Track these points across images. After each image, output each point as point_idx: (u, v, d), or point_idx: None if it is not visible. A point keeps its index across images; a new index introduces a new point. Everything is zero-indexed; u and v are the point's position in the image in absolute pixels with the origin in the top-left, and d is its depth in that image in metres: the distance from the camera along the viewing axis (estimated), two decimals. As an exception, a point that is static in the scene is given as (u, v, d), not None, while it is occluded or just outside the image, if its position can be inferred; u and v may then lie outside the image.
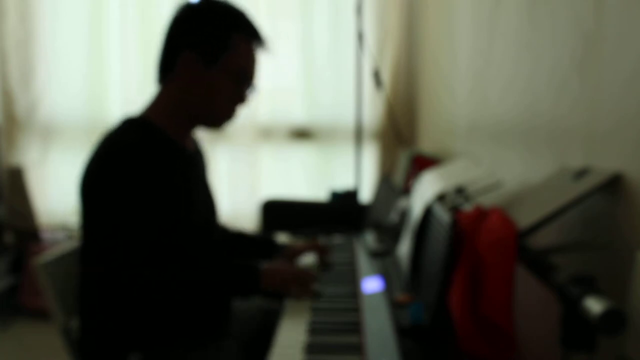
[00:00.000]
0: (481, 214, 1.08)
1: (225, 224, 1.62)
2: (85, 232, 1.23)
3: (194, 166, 1.37)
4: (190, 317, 1.25)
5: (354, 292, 1.36)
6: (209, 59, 1.26)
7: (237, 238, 1.60)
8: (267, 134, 3.20)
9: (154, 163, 1.21)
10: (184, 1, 1.32)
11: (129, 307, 1.16)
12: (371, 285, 1.40)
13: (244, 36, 1.30)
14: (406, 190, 1.98)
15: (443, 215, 1.18)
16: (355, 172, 2.97)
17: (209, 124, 1.35)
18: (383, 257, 1.66)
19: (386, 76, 3.12)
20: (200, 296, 1.21)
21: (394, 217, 1.82)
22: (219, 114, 1.33)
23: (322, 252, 1.62)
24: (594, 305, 0.74)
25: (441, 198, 1.37)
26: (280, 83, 3.19)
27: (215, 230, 1.44)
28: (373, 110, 3.15)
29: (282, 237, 2.66)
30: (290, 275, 1.30)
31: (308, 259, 1.61)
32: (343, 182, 3.06)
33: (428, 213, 1.37)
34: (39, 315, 2.88)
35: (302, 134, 3.22)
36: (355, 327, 1.14)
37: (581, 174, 1.01)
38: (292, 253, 1.58)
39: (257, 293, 1.24)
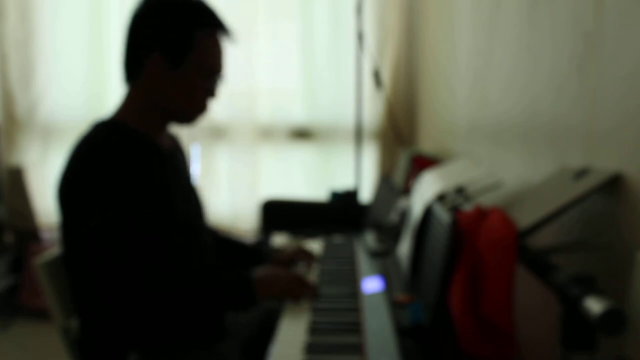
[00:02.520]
0: (481, 214, 1.08)
1: (216, 227, 1.61)
2: (65, 239, 1.22)
3: (171, 164, 1.35)
4: (181, 322, 1.24)
5: (354, 292, 1.36)
6: (176, 61, 1.26)
7: (225, 243, 1.58)
8: (267, 134, 3.20)
9: (129, 163, 1.20)
10: None
11: (120, 308, 1.15)
12: (371, 285, 1.40)
13: (207, 30, 1.28)
14: (406, 190, 1.98)
15: (443, 215, 1.18)
16: (355, 172, 2.97)
17: (181, 120, 1.34)
18: (383, 257, 1.66)
19: (386, 76, 3.12)
20: (191, 310, 1.20)
21: (394, 217, 1.82)
22: (191, 110, 1.32)
23: (308, 258, 1.59)
24: (594, 305, 0.74)
25: (441, 198, 1.37)
26: (280, 83, 3.19)
27: (202, 228, 1.43)
28: (373, 110, 3.15)
29: (282, 237, 2.67)
30: (287, 281, 1.28)
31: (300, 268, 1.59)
32: (343, 182, 3.06)
33: (428, 213, 1.37)
34: (39, 315, 2.88)
35: (302, 134, 3.22)
36: (355, 327, 1.14)
37: (581, 174, 1.01)
38: (280, 260, 1.56)
39: (254, 305, 1.22)
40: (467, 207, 1.22)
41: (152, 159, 1.27)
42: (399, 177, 2.38)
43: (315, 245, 1.87)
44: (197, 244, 1.35)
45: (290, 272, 1.34)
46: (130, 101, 1.31)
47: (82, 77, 3.19)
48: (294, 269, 1.56)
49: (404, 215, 1.69)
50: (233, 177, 3.20)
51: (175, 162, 1.38)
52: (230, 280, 1.22)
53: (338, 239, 1.97)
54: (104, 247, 1.14)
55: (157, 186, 1.25)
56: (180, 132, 1.44)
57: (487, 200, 1.30)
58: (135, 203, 1.18)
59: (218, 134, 3.17)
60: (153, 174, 1.26)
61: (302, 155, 3.23)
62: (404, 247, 1.51)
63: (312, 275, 1.52)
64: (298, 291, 1.28)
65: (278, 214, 2.72)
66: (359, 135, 2.95)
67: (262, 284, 1.22)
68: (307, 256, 1.59)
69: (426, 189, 1.48)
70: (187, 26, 1.26)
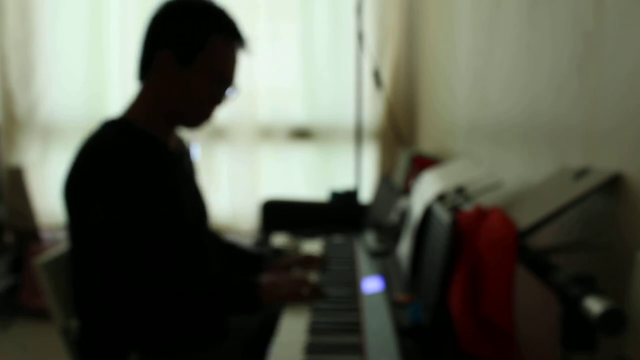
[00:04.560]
0: (481, 214, 1.08)
1: (219, 232, 1.60)
2: (72, 237, 1.22)
3: (178, 166, 1.35)
4: (185, 325, 1.24)
5: (354, 292, 1.36)
6: (185, 58, 1.25)
7: (228, 249, 1.58)
8: (267, 134, 3.20)
9: (137, 163, 1.19)
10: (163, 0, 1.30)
11: (124, 311, 1.15)
12: (371, 285, 1.40)
13: (222, 36, 1.28)
14: (406, 190, 1.98)
15: (443, 215, 1.18)
16: (355, 172, 2.97)
17: (185, 124, 1.33)
18: (383, 257, 1.66)
19: (386, 76, 3.12)
20: (196, 314, 1.19)
21: (394, 217, 1.82)
22: (196, 113, 1.31)
23: (317, 263, 1.58)
24: (594, 305, 0.74)
25: (441, 198, 1.37)
26: (280, 83, 3.19)
27: (205, 231, 1.43)
28: (373, 110, 3.15)
29: (282, 237, 2.66)
30: (290, 284, 1.27)
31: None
32: (343, 182, 3.06)
33: (428, 213, 1.37)
34: (39, 315, 2.88)
35: (302, 134, 3.22)
36: (355, 327, 1.14)
37: (581, 174, 1.01)
38: (283, 266, 1.55)
39: (258, 310, 1.22)
40: (467, 207, 1.22)
41: (161, 160, 1.27)
42: (399, 177, 2.38)
43: (315, 245, 1.87)
44: (200, 247, 1.35)
45: (293, 275, 1.34)
46: (139, 100, 1.31)
47: (82, 77, 3.19)
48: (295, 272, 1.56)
49: (404, 215, 1.69)
50: (233, 177, 3.20)
51: (182, 163, 1.38)
52: (235, 284, 1.22)
53: (338, 239, 1.97)
54: (109, 247, 1.14)
55: (164, 187, 1.25)
56: (181, 132, 1.43)
57: (487, 200, 1.30)
58: (143, 203, 1.18)
59: (218, 134, 3.17)
60: (161, 174, 1.25)
61: (302, 155, 3.23)
62: (404, 247, 1.51)
63: (313, 275, 1.52)
64: (302, 292, 1.27)
65: (278, 214, 2.72)
66: (359, 135, 2.95)
67: (265, 290, 1.22)
68: (317, 261, 1.58)
69: (426, 189, 1.48)
70: (203, 27, 1.26)
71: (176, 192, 1.28)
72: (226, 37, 1.28)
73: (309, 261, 1.57)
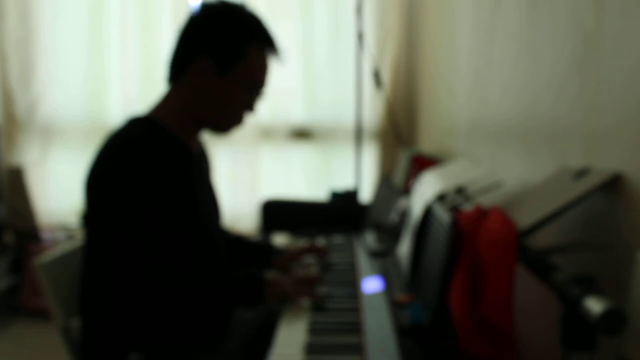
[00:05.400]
0: (481, 214, 1.08)
1: (227, 227, 1.62)
2: (90, 229, 1.23)
3: (198, 168, 1.37)
4: (192, 320, 1.24)
5: (354, 292, 1.36)
6: (224, 68, 1.27)
7: (236, 242, 1.59)
8: (267, 134, 3.20)
9: (161, 162, 1.21)
10: (201, 2, 1.32)
11: (133, 306, 1.15)
12: (371, 285, 1.40)
13: (259, 46, 1.30)
14: (406, 190, 1.98)
15: (443, 215, 1.18)
16: (355, 172, 2.97)
17: (216, 130, 1.36)
18: (383, 257, 1.66)
19: (386, 76, 3.12)
20: (203, 306, 1.20)
21: (394, 217, 1.82)
22: (228, 120, 1.34)
23: (320, 253, 1.61)
24: (594, 305, 0.74)
25: (441, 198, 1.37)
26: (280, 83, 3.19)
27: (218, 232, 1.44)
28: (373, 110, 3.15)
29: (282, 238, 2.67)
30: (294, 283, 1.28)
31: (307, 260, 1.61)
32: (343, 182, 3.06)
33: (428, 213, 1.37)
34: (39, 315, 2.88)
35: (302, 134, 3.22)
36: (355, 327, 1.14)
37: (581, 174, 1.01)
38: (289, 257, 1.57)
39: (261, 303, 1.23)
40: (467, 207, 1.22)
41: (182, 161, 1.29)
42: (399, 177, 2.38)
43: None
44: (213, 246, 1.36)
45: (294, 274, 1.35)
46: (169, 101, 1.32)
47: (82, 77, 3.19)
48: (300, 264, 1.58)
49: (404, 215, 1.69)
50: (233, 177, 3.20)
51: (201, 165, 1.39)
52: (240, 277, 1.23)
53: (338, 239, 1.97)
54: (125, 241, 1.14)
55: (183, 188, 1.26)
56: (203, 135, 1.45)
57: (487, 200, 1.30)
58: (161, 202, 1.19)
59: (222, 137, 3.17)
60: (181, 175, 1.27)
61: (302, 155, 3.24)
62: (404, 247, 1.51)
63: (316, 269, 1.54)
64: (303, 292, 1.28)
65: (278, 214, 2.72)
66: (359, 135, 2.95)
67: (270, 284, 1.23)
68: (317, 250, 1.61)
69: (426, 189, 1.48)
70: (240, 37, 1.27)
71: (193, 193, 1.29)
72: (262, 47, 1.31)
73: (313, 250, 1.60)
